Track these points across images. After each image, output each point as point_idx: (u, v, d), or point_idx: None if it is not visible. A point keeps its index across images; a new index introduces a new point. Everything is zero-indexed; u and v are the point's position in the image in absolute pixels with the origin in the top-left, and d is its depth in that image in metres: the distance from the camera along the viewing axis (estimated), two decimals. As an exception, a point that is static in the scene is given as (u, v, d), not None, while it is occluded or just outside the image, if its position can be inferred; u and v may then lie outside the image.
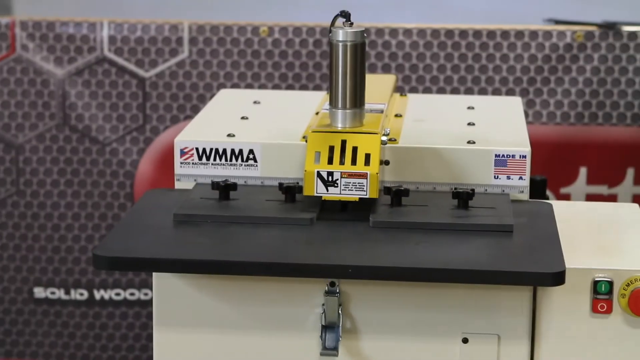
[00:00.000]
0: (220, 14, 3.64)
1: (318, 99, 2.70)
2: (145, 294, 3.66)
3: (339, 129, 2.29)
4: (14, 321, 3.71)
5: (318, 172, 2.23)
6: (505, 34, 3.53)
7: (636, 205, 2.52)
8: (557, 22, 3.57)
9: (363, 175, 2.23)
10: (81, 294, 3.70)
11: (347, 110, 2.31)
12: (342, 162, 2.24)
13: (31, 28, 3.57)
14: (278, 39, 3.55)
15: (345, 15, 2.31)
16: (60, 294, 3.70)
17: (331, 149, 2.25)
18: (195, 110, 3.50)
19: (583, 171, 3.53)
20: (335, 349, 2.14)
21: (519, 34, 3.53)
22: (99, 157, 3.63)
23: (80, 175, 3.64)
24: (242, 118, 2.57)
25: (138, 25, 3.56)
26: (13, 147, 3.62)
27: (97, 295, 3.70)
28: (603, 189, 3.52)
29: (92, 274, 3.67)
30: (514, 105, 2.76)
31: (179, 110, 3.59)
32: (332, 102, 2.32)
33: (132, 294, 3.70)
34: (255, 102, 2.72)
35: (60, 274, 3.68)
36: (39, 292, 3.69)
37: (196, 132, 2.45)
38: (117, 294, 3.70)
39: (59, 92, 3.59)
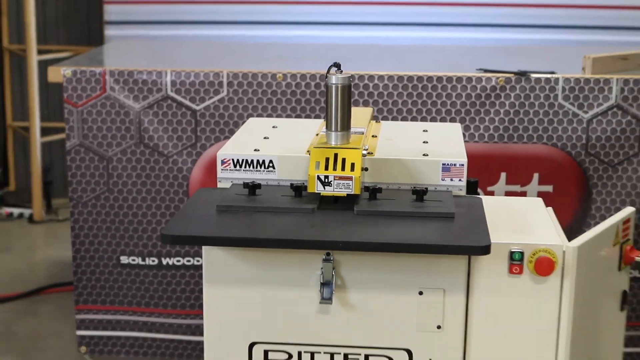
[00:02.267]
0: (248, 65, 3.63)
1: (318, 124, 2.70)
2: (198, 261, 3.65)
3: (332, 145, 2.29)
4: (107, 279, 3.70)
5: (318, 175, 2.24)
6: (449, 78, 3.52)
7: (540, 199, 2.53)
8: (486, 70, 3.56)
9: (349, 178, 2.23)
10: (153, 261, 3.69)
11: (338, 132, 2.31)
12: (334, 169, 2.24)
13: (117, 75, 3.57)
14: (290, 82, 3.55)
15: (337, 65, 2.31)
16: (138, 260, 3.69)
17: (327, 159, 2.25)
18: (231, 132, 3.50)
19: (503, 175, 3.52)
20: (330, 299, 2.14)
21: (459, 78, 3.52)
22: (164, 165, 3.62)
23: (151, 178, 3.63)
24: (265, 138, 2.56)
25: (191, 73, 3.55)
26: (105, 158, 3.62)
27: (164, 261, 3.69)
28: (517, 188, 3.51)
29: (160, 247, 3.66)
30: (455, 129, 2.75)
31: (219, 133, 3.58)
32: (328, 127, 2.32)
33: (188, 261, 3.69)
34: (273, 127, 2.72)
35: (138, 247, 3.68)
36: (124, 259, 3.69)
37: (232, 148, 2.44)
38: (178, 261, 3.69)
39: (136, 120, 3.59)
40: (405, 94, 3.54)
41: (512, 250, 2.16)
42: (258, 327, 2.22)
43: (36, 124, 5.73)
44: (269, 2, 5.56)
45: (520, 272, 2.16)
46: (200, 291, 3.64)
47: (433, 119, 3.53)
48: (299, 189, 2.32)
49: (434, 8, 5.52)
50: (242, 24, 5.56)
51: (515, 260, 2.15)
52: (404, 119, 3.54)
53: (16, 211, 5.80)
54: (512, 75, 3.51)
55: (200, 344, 3.69)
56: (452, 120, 3.51)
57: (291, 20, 5.55)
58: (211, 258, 2.19)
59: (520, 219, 2.34)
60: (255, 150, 2.40)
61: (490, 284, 2.18)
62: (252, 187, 2.33)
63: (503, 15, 5.47)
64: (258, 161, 2.38)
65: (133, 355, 3.76)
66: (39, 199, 5.76)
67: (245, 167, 2.39)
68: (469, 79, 3.53)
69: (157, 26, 5.61)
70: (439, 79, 3.53)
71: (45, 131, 5.82)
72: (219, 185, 2.41)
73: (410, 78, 3.53)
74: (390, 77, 3.54)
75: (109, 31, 5.62)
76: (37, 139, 5.74)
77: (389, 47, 4.95)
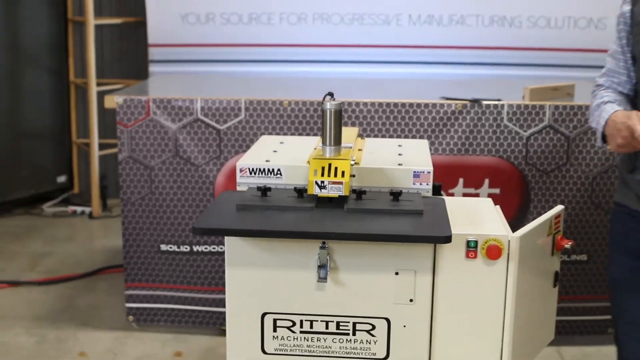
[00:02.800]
0: (261, 94, 3.63)
1: (315, 140, 2.68)
2: (221, 248, 3.64)
3: (327, 157, 2.27)
4: (149, 263, 3.69)
5: (316, 181, 2.21)
6: (418, 104, 3.51)
7: (490, 199, 2.51)
8: (447, 98, 3.56)
9: (340, 183, 2.21)
10: (186, 248, 3.68)
11: (332, 147, 2.29)
12: (329, 175, 2.22)
13: (158, 102, 3.56)
14: (293, 108, 3.54)
15: (331, 94, 2.30)
16: (174, 248, 3.68)
17: (323, 168, 2.23)
18: (248, 147, 3.49)
19: (461, 180, 3.51)
20: (325, 278, 2.12)
21: (426, 104, 3.51)
22: (194, 173, 3.61)
23: (185, 183, 3.62)
24: (274, 151, 2.54)
25: (216, 100, 3.54)
26: (148, 167, 3.60)
27: (195, 249, 3.68)
28: (471, 190, 3.50)
29: (191, 237, 3.65)
30: (423, 144, 2.73)
31: (238, 147, 3.57)
32: (323, 142, 2.30)
33: (213, 248, 3.68)
34: (281, 142, 2.69)
35: (174, 237, 3.66)
36: (163, 247, 3.67)
37: (248, 159, 2.42)
38: (205, 248, 3.68)
39: (173, 137, 3.58)
40: (384, 117, 3.54)
41: (468, 239, 2.14)
42: (268, 301, 2.20)
43: (95, 140, 5.72)
44: (277, 46, 5.56)
45: (475, 257, 2.14)
46: (223, 272, 3.63)
47: (406, 136, 3.52)
48: (301, 192, 2.31)
49: (406, 50, 5.52)
50: (256, 62, 5.57)
51: (471, 248, 2.14)
52: (383, 136, 3.54)
53: (79, 209, 5.79)
54: (468, 102, 3.51)
55: (222, 314, 3.67)
56: (421, 137, 3.50)
57: (294, 60, 5.56)
58: (232, 246, 2.18)
59: (474, 215, 2.31)
60: (266, 161, 2.39)
61: (451, 266, 2.16)
62: (264, 190, 2.31)
63: (460, 55, 5.48)
64: (268, 169, 2.36)
65: (170, 322, 3.75)
66: (96, 199, 5.75)
67: (258, 174, 2.37)
68: (434, 104, 3.52)
69: (190, 64, 5.60)
70: (410, 104, 3.52)
71: (101, 146, 5.81)
72: (238, 188, 2.39)
73: (387, 104, 3.53)
74: (372, 104, 3.53)
75: (152, 68, 5.61)
76: (95, 153, 5.73)
77: (371, 80, 4.95)
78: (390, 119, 3.53)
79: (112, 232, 5.34)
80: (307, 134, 3.54)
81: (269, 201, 2.27)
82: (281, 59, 5.58)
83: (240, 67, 5.56)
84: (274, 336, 2.20)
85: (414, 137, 3.51)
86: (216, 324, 3.74)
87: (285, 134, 3.53)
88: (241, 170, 2.37)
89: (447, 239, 2.04)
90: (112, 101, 3.60)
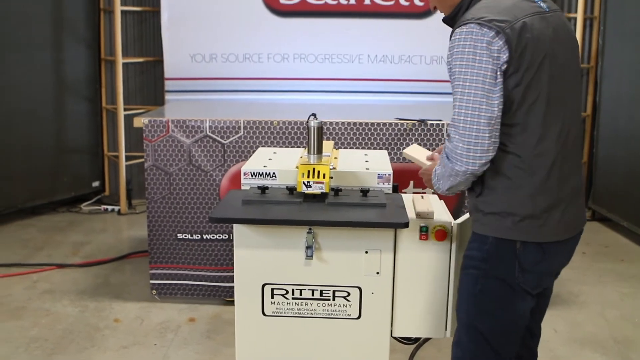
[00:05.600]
0: (256, 116, 3.64)
1: (300, 151, 2.69)
2: (225, 236, 3.64)
3: (312, 163, 2.29)
4: (169, 248, 3.67)
5: (303, 181, 2.25)
6: (379, 123, 3.54)
7: (435, 196, 2.55)
8: (400, 119, 3.59)
9: (322, 182, 2.24)
10: (197, 236, 3.65)
11: (315, 155, 2.32)
12: (313, 177, 2.25)
13: (176, 122, 3.55)
14: (282, 127, 3.54)
15: (314, 115, 2.33)
16: (188, 236, 3.66)
17: (309, 171, 2.26)
18: (246, 157, 3.50)
19: (411, 182, 3.54)
20: (311, 256, 2.16)
21: (385, 123, 3.55)
22: (204, 178, 3.61)
23: (196, 186, 3.61)
24: (269, 159, 2.55)
25: (221, 120, 3.53)
26: (168, 173, 3.59)
27: (204, 237, 3.65)
28: (420, 190, 3.53)
29: (202, 227, 3.64)
30: (384, 154, 2.76)
31: (239, 157, 3.57)
32: (308, 152, 2.32)
33: (219, 236, 3.67)
34: (274, 152, 2.70)
35: (188, 227, 3.65)
36: (180, 236, 3.66)
37: (250, 165, 2.43)
38: (212, 237, 3.66)
39: (188, 150, 3.57)
40: (352, 133, 3.56)
41: (421, 225, 2.18)
42: (267, 274, 2.22)
43: (122, 153, 5.69)
44: (265, 79, 5.56)
45: (427, 239, 2.18)
46: (227, 255, 3.65)
47: (369, 148, 3.55)
48: (291, 190, 2.33)
49: (366, 82, 5.56)
50: (249, 92, 5.56)
51: (423, 232, 2.18)
52: (351, 148, 3.56)
53: (110, 207, 5.74)
54: (416, 121, 3.54)
55: (226, 288, 3.68)
56: (382, 148, 3.53)
57: (279, 90, 5.57)
58: (239, 232, 2.20)
59: (424, 207, 2.35)
60: (264, 166, 2.40)
61: (408, 246, 2.19)
62: (263, 189, 2.33)
63: (409, 86, 5.53)
64: (266, 173, 2.38)
65: (184, 295, 3.74)
66: (124, 200, 5.71)
67: (258, 176, 2.39)
68: (390, 124, 3.55)
69: (198, 93, 5.58)
70: (372, 123, 3.55)
71: (127, 158, 5.78)
72: (242, 188, 2.41)
73: (355, 123, 3.55)
74: (342, 123, 3.56)
75: (168, 96, 5.59)
76: (123, 163, 5.69)
77: (339, 105, 4.97)
78: (357, 135, 3.56)
79: (137, 225, 5.31)
80: (293, 146, 3.54)
81: (267, 197, 2.29)
82: (269, 89, 5.59)
83: (237, 95, 5.56)
84: (271, 302, 2.23)
85: (375, 148, 3.54)
86: (221, 296, 3.73)
87: (275, 146, 3.55)
88: (245, 174, 2.39)
89: (406, 225, 2.08)
90: (139, 122, 3.59)
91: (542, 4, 1.85)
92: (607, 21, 5.38)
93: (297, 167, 2.36)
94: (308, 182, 2.24)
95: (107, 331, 3.41)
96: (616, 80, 5.28)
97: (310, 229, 2.15)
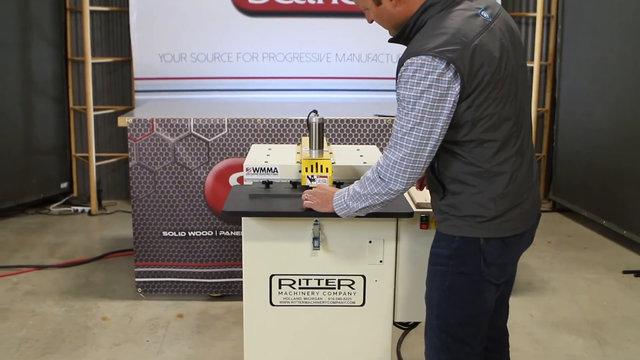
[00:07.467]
0: (239, 115, 3.68)
1: (293, 147, 2.74)
2: (210, 233, 3.66)
3: (314, 158, 2.37)
4: (154, 246, 3.68)
5: (307, 175, 2.31)
6: (365, 120, 3.63)
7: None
8: (380, 116, 3.68)
9: (325, 176, 2.31)
10: (182, 234, 3.64)
11: (317, 150, 2.40)
12: (316, 171, 2.31)
13: (160, 121, 3.57)
14: (265, 124, 3.58)
15: (315, 111, 2.41)
16: (173, 234, 3.67)
17: (312, 165, 2.33)
18: (231, 155, 3.54)
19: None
20: (318, 247, 2.22)
21: (368, 120, 3.63)
22: (189, 175, 3.63)
23: (181, 184, 3.63)
24: (267, 155, 2.61)
25: (205, 119, 3.55)
26: (153, 172, 3.61)
27: (190, 234, 3.68)
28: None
29: (186, 225, 3.66)
30: (374, 148, 2.85)
31: (223, 155, 3.61)
32: (310, 147, 2.40)
33: (204, 234, 3.70)
34: (269, 149, 2.77)
35: (173, 225, 3.67)
36: (165, 233, 3.67)
37: (251, 161, 2.49)
38: (197, 234, 3.68)
39: (172, 148, 3.60)
40: (345, 130, 3.63)
41: (422, 215, 2.26)
42: (275, 265, 2.27)
43: (93, 154, 5.64)
44: (235, 78, 5.60)
45: (427, 228, 2.26)
46: (212, 251, 3.68)
47: (355, 143, 3.61)
48: (295, 184, 2.39)
49: (334, 80, 5.65)
50: (219, 91, 5.60)
51: (423, 221, 2.26)
52: (349, 143, 3.62)
53: (80, 208, 5.70)
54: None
55: (211, 284, 3.71)
56: (371, 143, 3.61)
57: (248, 89, 5.62)
58: (247, 224, 2.24)
59: (425, 200, 2.44)
60: (265, 162, 2.46)
61: (410, 234, 2.27)
62: (267, 184, 2.39)
63: (376, 84, 5.63)
64: (268, 168, 2.44)
65: (170, 292, 3.76)
66: (94, 200, 5.67)
67: (260, 172, 2.44)
68: (370, 120, 3.64)
69: (167, 93, 5.57)
70: (353, 120, 3.63)
71: (97, 158, 5.74)
72: (245, 183, 2.46)
73: (336, 120, 3.62)
74: (324, 120, 3.61)
75: (137, 96, 5.58)
76: (93, 164, 5.65)
77: (307, 103, 5.02)
78: (339, 131, 3.63)
79: (109, 225, 5.28)
80: (275, 143, 3.60)
81: (272, 191, 2.35)
82: (239, 88, 5.63)
83: (207, 95, 5.58)
84: (279, 292, 2.29)
85: (365, 144, 3.61)
86: (207, 292, 3.76)
87: (259, 144, 3.58)
88: (247, 169, 2.45)
89: (410, 215, 2.16)
90: (123, 121, 3.59)
91: (484, 14, 1.82)
92: (565, 20, 5.59)
93: (298, 162, 2.42)
94: (312, 176, 2.30)
95: (97, 329, 3.41)
96: (574, 77, 5.50)
97: (316, 220, 2.21)
